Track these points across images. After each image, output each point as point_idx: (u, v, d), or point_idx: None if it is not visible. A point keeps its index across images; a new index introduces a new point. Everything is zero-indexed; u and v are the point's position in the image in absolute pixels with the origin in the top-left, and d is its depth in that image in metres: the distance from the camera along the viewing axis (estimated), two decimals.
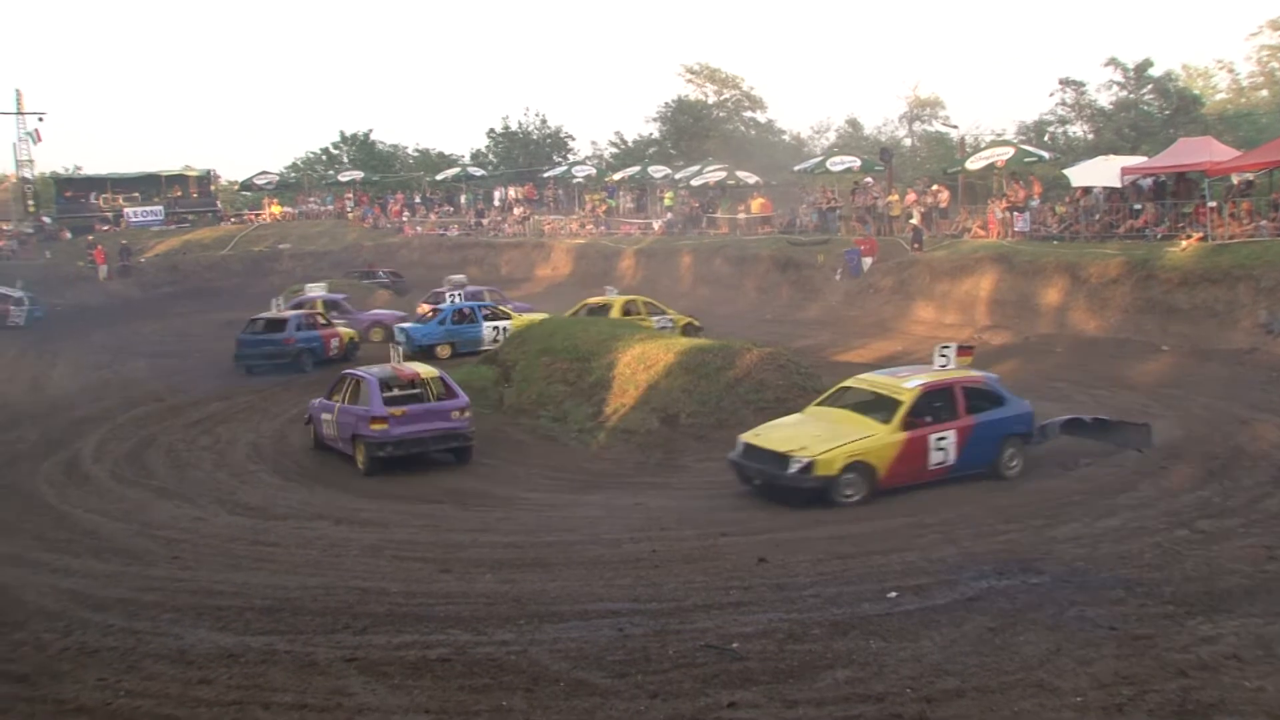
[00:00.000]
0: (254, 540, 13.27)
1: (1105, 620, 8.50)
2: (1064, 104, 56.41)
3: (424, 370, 18.85)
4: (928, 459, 14.36)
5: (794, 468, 13.82)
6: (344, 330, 29.83)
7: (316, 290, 33.80)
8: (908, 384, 14.89)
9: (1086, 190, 30.91)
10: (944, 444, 14.39)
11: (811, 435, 14.40)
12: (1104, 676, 7.36)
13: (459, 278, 35.42)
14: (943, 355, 15.69)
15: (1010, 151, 35.38)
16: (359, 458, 17.60)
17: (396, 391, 18.41)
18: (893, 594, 9.39)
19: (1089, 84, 55.66)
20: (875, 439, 14.17)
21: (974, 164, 36.23)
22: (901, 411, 14.35)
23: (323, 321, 29.69)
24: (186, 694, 7.94)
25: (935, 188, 37.56)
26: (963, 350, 16.19)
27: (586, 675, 7.78)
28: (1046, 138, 54.03)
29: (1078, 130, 56.62)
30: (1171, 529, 11.68)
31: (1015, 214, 31.84)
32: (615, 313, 28.55)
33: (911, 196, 37.36)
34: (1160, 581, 9.61)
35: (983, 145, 44.69)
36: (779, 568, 10.62)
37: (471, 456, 18.13)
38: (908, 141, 68.27)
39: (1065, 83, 55.75)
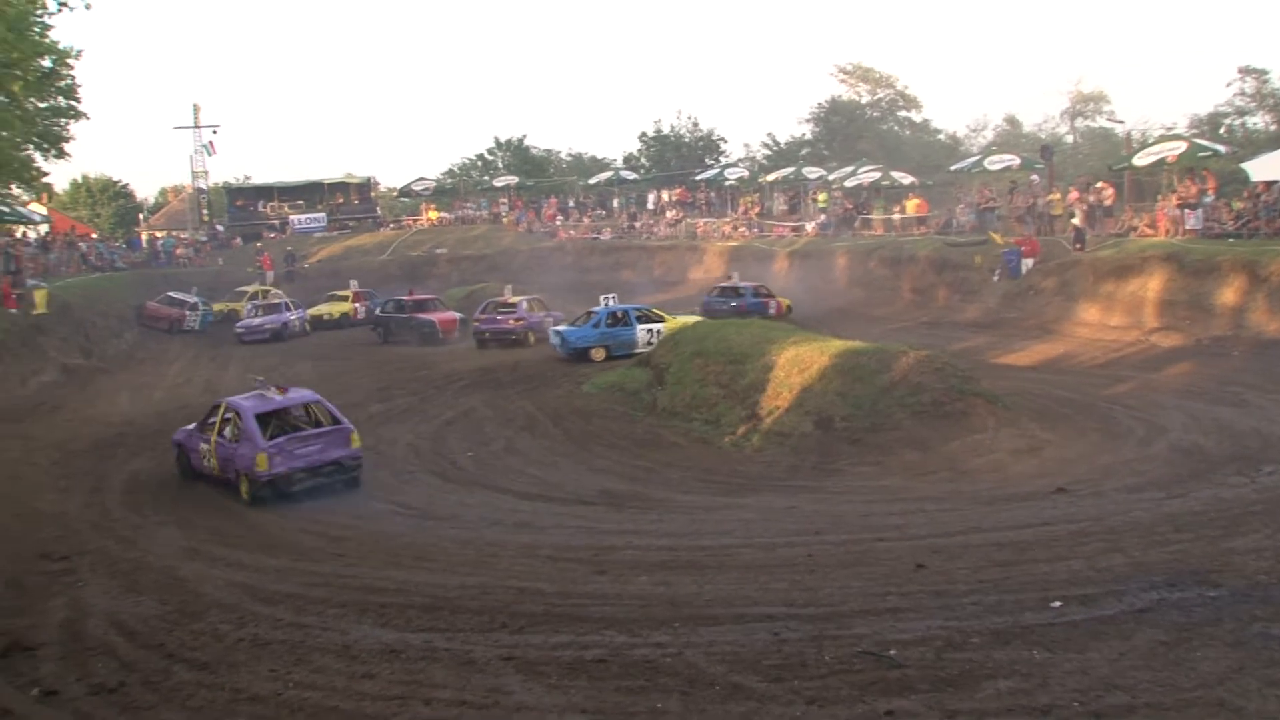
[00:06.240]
0: (414, 539, 13.58)
1: None
2: (1243, 94, 53.80)
3: None
4: None
5: None
6: None
7: None
8: None
9: (1269, 184, 29.47)
10: None
11: None
12: None
13: None
14: None
15: (1182, 146, 33.85)
16: None
17: None
18: (1057, 603, 9.06)
19: (1272, 71, 53.06)
20: None
21: (1142, 160, 34.81)
22: None
23: None
24: (351, 687, 8.19)
25: (1099, 185, 36.32)
26: None
27: (743, 679, 7.73)
28: (1222, 130, 51.60)
29: (1258, 121, 53.93)
30: None
31: (1187, 211, 30.54)
32: None
33: (1074, 195, 36.24)
34: None
35: (1151, 140, 43.03)
36: (938, 574, 10.36)
37: None
38: (1070, 138, 66.40)
39: (1245, 71, 53.15)
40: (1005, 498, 14.36)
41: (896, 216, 44.06)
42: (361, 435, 20.90)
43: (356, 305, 42.09)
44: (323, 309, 41.93)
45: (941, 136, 72.32)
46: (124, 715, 8.05)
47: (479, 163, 77.98)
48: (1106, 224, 34.43)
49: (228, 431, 17.27)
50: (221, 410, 17.73)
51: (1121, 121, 52.78)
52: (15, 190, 46.72)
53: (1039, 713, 6.89)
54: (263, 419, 17.20)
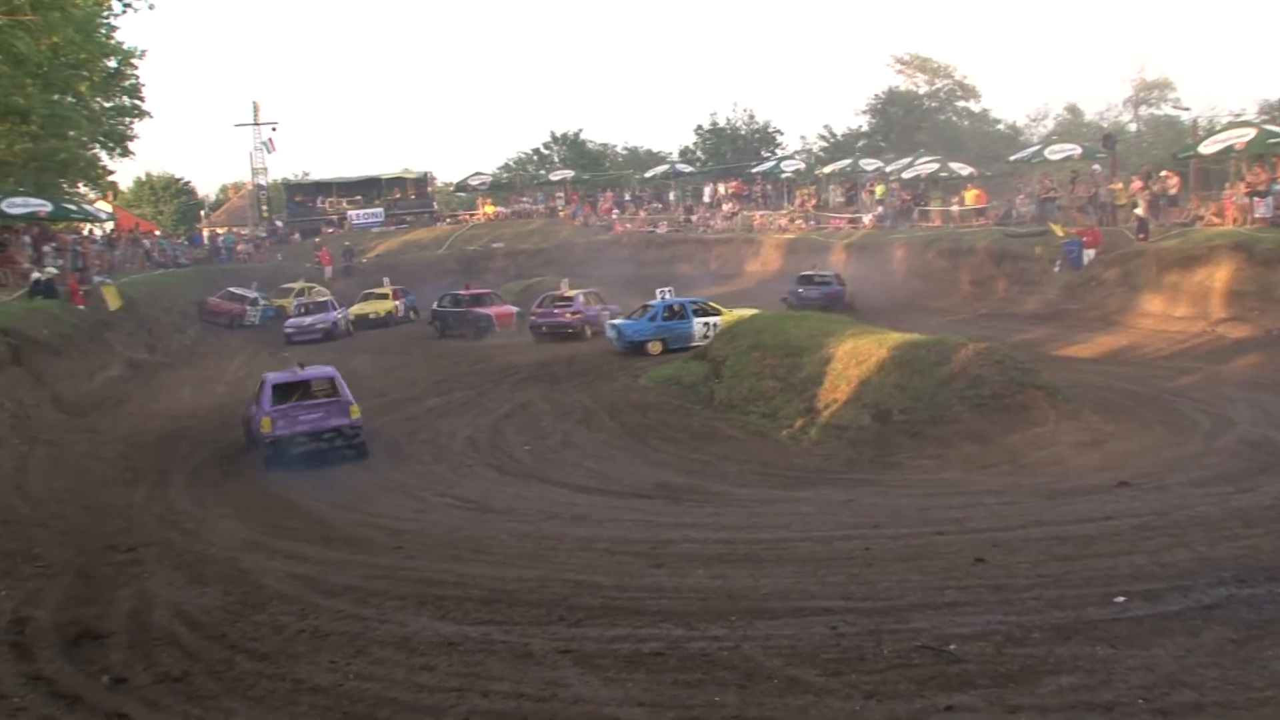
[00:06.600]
0: (471, 532, 13.65)
1: None
2: None
3: None
4: None
5: None
6: None
7: None
8: None
9: None
10: None
11: None
12: None
13: None
14: None
15: (1251, 133, 32.95)
16: None
17: None
18: (1120, 599, 8.89)
19: None
20: None
21: (1208, 148, 33.98)
22: None
23: None
24: (410, 679, 8.24)
25: (1164, 174, 35.64)
26: None
27: (800, 673, 7.68)
28: None
29: None
30: None
31: (1256, 199, 29.86)
32: None
33: (1136, 184, 35.62)
34: None
35: (1218, 127, 42.17)
36: (997, 568, 10.22)
37: None
38: (1133, 127, 65.35)
39: None
40: (1066, 491, 14.15)
41: (955, 208, 43.66)
42: (419, 428, 21.28)
43: (397, 303, 41.57)
44: (367, 308, 40.86)
45: (1001, 126, 71.60)
46: (189, 704, 8.16)
47: (535, 157, 78.32)
48: (1171, 213, 33.74)
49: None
50: (260, 385, 19.40)
51: (1187, 109, 51.82)
52: (82, 188, 47.74)
53: (1102, 709, 6.76)
54: (280, 389, 19.29)
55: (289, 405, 18.84)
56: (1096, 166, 39.94)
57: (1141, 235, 31.57)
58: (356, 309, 40.54)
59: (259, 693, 8.25)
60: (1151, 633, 8.03)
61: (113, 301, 31.36)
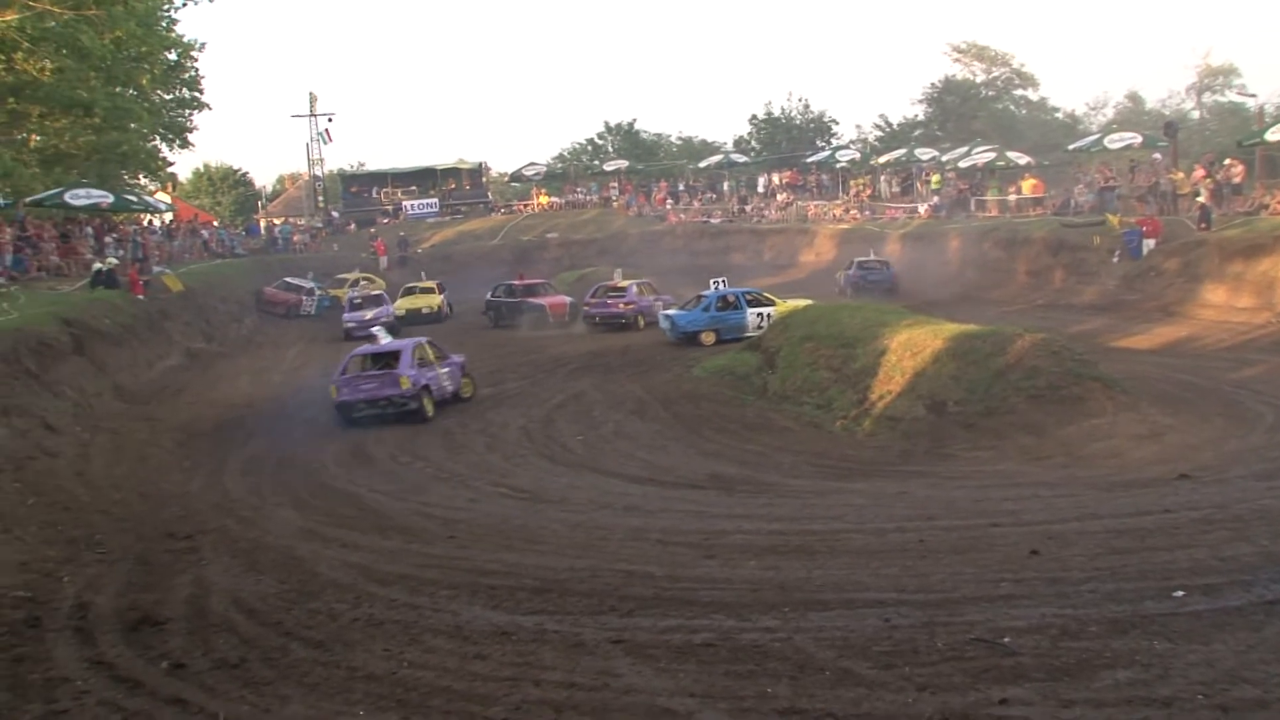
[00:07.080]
0: (524, 522, 13.70)
1: None
2: None
3: None
4: None
5: None
6: None
7: None
8: None
9: None
10: None
11: None
12: None
13: None
14: None
15: None
16: None
17: None
18: (1179, 593, 8.72)
19: None
20: None
21: (1275, 135, 33.40)
22: None
23: None
24: (464, 668, 8.27)
25: (1227, 162, 35.00)
26: None
27: (852, 665, 7.63)
28: None
29: None
30: None
31: None
32: None
33: (1199, 173, 35.02)
34: None
35: None
36: (1053, 561, 10.07)
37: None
38: (1195, 114, 64.25)
39: None
40: (1124, 484, 13.95)
41: (1012, 197, 43.22)
42: (472, 419, 21.51)
43: (441, 297, 40.47)
44: (418, 302, 39.60)
45: (1059, 115, 70.82)
46: (245, 689, 8.26)
47: (589, 147, 78.57)
48: (1235, 202, 33.17)
49: None
50: None
51: (1254, 95, 50.59)
52: (143, 180, 48.54)
53: (1160, 704, 6.65)
54: (356, 359, 22.46)
55: (352, 375, 21.70)
56: (1157, 155, 39.35)
57: (1203, 225, 31.04)
58: (404, 303, 39.36)
59: (314, 679, 8.33)
60: (1211, 627, 7.88)
61: (174, 285, 31.95)
